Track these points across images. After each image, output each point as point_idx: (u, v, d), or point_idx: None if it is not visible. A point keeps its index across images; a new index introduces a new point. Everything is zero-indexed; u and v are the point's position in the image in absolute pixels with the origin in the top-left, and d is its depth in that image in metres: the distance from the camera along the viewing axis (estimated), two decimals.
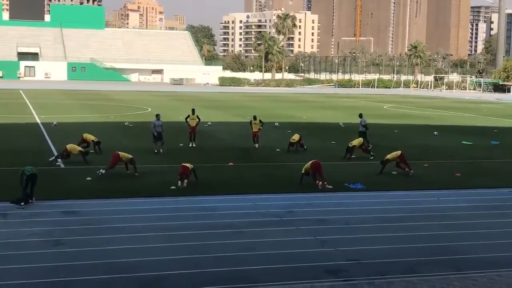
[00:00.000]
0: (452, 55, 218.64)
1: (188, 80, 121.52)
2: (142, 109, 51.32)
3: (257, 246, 13.59)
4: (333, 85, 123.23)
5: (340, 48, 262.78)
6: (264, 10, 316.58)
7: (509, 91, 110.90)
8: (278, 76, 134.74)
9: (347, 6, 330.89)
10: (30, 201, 16.55)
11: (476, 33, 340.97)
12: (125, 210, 16.49)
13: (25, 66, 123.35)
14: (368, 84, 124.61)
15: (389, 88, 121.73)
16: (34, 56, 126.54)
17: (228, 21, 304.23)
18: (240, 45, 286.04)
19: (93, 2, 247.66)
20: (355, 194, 19.28)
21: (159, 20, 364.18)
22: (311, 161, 20.15)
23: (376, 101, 74.54)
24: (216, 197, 18.30)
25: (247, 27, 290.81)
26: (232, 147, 29.36)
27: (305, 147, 27.96)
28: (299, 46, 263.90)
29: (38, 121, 39.26)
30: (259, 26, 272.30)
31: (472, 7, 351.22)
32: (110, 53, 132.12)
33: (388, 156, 22.59)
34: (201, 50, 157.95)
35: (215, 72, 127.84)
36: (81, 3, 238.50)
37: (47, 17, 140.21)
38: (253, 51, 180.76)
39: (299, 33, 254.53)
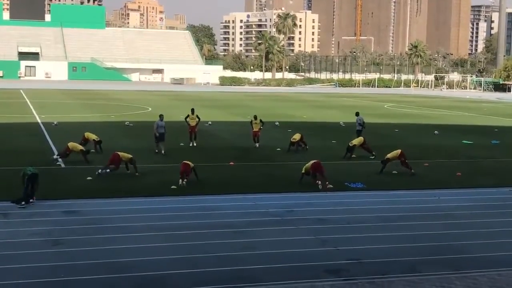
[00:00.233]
0: (452, 54, 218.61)
1: (189, 79, 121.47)
2: (142, 109, 51.31)
3: (258, 245, 13.58)
4: (334, 85, 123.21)
5: (341, 48, 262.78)
6: (265, 9, 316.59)
7: (509, 90, 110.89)
8: (279, 75, 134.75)
9: (348, 6, 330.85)
10: (31, 200, 16.56)
11: (477, 32, 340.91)
12: (126, 209, 16.49)
13: (26, 66, 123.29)
14: (368, 83, 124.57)
15: (389, 87, 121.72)
16: (34, 56, 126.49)
17: (229, 21, 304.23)
18: (240, 45, 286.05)
19: (93, 2, 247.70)
20: (356, 194, 19.27)
21: (160, 20, 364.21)
22: (312, 161, 20.14)
23: (377, 100, 74.53)
24: (216, 196, 18.30)
25: (247, 26, 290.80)
26: (232, 146, 29.35)
27: (307, 147, 27.94)
28: (299, 46, 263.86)
29: (39, 120, 39.27)
30: (260, 26, 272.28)
31: (472, 6, 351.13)
32: (111, 52, 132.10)
33: (389, 156, 22.58)
34: (202, 50, 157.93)
35: (216, 72, 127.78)
36: (82, 3, 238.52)
37: (48, 17, 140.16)
38: (253, 51, 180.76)
39: (300, 32, 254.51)
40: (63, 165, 22.90)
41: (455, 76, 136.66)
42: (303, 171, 20.03)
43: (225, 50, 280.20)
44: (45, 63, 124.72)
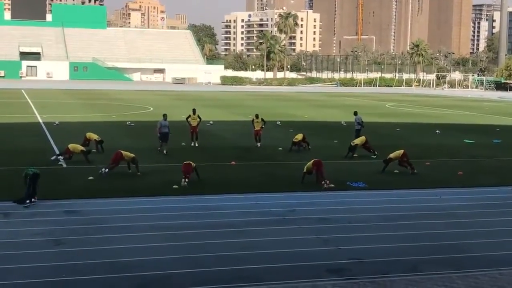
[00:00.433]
0: (454, 53, 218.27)
1: (190, 79, 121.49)
2: (144, 109, 51.34)
3: (259, 245, 13.58)
4: (335, 84, 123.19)
5: (342, 47, 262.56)
6: (266, 9, 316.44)
7: (511, 89, 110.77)
8: (280, 75, 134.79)
9: (349, 5, 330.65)
10: (32, 200, 16.57)
11: (478, 31, 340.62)
12: (127, 209, 16.50)
13: (27, 66, 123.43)
14: (370, 82, 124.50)
15: (391, 86, 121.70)
16: (36, 55, 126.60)
17: (230, 20, 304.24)
18: (242, 44, 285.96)
19: (94, 2, 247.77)
20: (357, 193, 19.27)
21: (161, 20, 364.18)
22: (313, 160, 20.15)
23: (378, 99, 74.50)
24: (218, 196, 18.31)
25: (248, 26, 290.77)
26: (234, 146, 29.36)
27: (310, 147, 27.92)
28: (301, 45, 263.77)
29: (40, 120, 39.30)
30: (261, 25, 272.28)
31: (474, 5, 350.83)
32: (112, 52, 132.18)
33: (391, 155, 22.57)
34: (203, 49, 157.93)
35: (217, 71, 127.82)
36: (83, 3, 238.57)
37: (49, 17, 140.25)
38: (254, 50, 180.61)
39: (301, 32, 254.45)
40: (64, 165, 22.91)
41: (456, 75, 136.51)
42: (304, 171, 20.04)
43: (226, 49, 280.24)
44: (47, 63, 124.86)
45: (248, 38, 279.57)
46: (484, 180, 21.89)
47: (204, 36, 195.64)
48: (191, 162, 19.90)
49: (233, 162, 24.18)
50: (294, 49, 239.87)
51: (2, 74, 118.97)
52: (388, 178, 21.60)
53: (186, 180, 19.32)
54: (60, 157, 23.58)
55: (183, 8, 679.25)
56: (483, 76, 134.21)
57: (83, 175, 20.59)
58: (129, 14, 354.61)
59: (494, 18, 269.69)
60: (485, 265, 12.53)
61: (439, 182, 21.29)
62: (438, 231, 15.03)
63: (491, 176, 22.61)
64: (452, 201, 18.38)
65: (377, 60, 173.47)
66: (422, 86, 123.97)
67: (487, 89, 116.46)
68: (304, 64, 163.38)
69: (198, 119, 29.10)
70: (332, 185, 19.58)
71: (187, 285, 11.17)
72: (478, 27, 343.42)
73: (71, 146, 23.38)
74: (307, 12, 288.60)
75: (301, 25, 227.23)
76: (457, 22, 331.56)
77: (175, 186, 19.05)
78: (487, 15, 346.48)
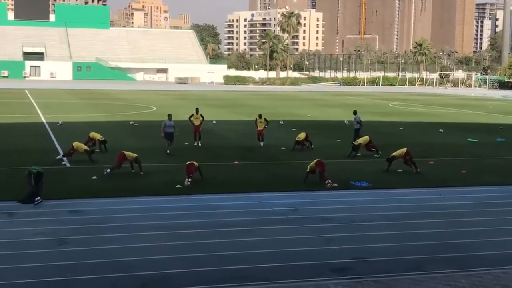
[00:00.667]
0: (457, 52, 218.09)
1: (193, 79, 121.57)
2: (147, 108, 51.37)
3: (262, 244, 13.58)
4: (338, 83, 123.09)
5: (345, 46, 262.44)
6: (269, 8, 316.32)
7: None
8: (283, 74, 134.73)
9: (352, 4, 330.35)
10: (36, 199, 16.59)
11: (481, 30, 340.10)
12: (130, 209, 16.51)
13: (31, 66, 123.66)
14: (373, 82, 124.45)
15: (394, 85, 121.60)
16: (39, 56, 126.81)
17: (233, 20, 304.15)
18: (244, 44, 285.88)
19: (97, 2, 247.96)
20: (361, 192, 19.25)
21: (164, 19, 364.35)
22: (316, 160, 20.14)
23: (381, 98, 74.44)
24: (221, 195, 18.31)
25: (251, 25, 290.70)
26: (237, 145, 29.36)
27: (312, 146, 27.91)
28: (303, 44, 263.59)
29: (44, 120, 39.35)
30: (264, 25, 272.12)
31: (477, 4, 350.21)
32: (115, 52, 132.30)
33: (394, 154, 22.55)
34: (206, 49, 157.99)
35: (220, 71, 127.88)
36: (86, 3, 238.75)
37: (52, 17, 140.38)
38: (257, 50, 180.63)
39: (304, 31, 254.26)
40: (68, 165, 22.95)
41: (459, 74, 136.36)
42: (308, 170, 20.03)
43: (229, 49, 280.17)
44: (50, 63, 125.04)
45: (251, 37, 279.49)
46: (488, 178, 21.86)
47: (207, 35, 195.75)
48: (194, 162, 19.92)
49: (236, 162, 24.18)
50: (297, 49, 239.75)
51: (6, 74, 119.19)
52: (392, 177, 21.58)
53: (189, 179, 19.33)
54: (64, 157, 23.61)
55: (186, 8, 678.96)
56: (486, 75, 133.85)
57: (86, 175, 20.61)
58: (132, 14, 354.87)
59: (497, 17, 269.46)
60: (488, 263, 12.51)
61: (442, 181, 21.26)
62: (441, 230, 15.01)
63: (495, 175, 22.57)
64: (456, 200, 18.36)
65: (380, 59, 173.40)
66: (425, 85, 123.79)
67: (490, 87, 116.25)
68: (307, 63, 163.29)
69: (201, 119, 29.11)
70: (335, 185, 19.56)
71: (189, 285, 11.17)
72: (481, 26, 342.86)
73: (75, 144, 23.45)
74: (310, 11, 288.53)
75: (304, 24, 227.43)
76: (460, 21, 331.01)
77: (178, 186, 19.06)
78: (490, 13, 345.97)
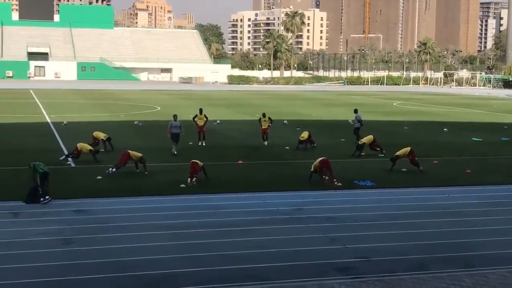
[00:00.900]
0: (461, 51, 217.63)
1: (197, 78, 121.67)
2: (151, 108, 51.42)
3: (266, 244, 13.58)
4: (342, 83, 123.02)
5: (349, 45, 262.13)
6: (273, 8, 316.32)
7: None
8: (287, 74, 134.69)
9: (356, 3, 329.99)
10: (42, 199, 16.64)
11: (486, 29, 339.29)
12: (135, 208, 16.53)
13: (35, 66, 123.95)
14: (377, 81, 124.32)
15: (398, 85, 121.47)
16: (44, 56, 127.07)
17: (237, 20, 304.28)
18: (248, 43, 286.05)
19: (102, 2, 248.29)
20: (365, 192, 19.23)
21: (168, 19, 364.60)
22: (320, 159, 20.14)
23: (386, 98, 74.35)
24: (225, 195, 18.31)
25: (255, 25, 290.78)
26: (241, 145, 29.37)
27: (315, 144, 27.91)
28: (307, 44, 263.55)
29: (48, 120, 39.44)
30: (268, 24, 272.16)
31: (481, 3, 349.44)
32: (120, 52, 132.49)
33: (398, 153, 22.53)
34: (210, 49, 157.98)
35: (224, 71, 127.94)
36: (90, 3, 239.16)
37: (56, 17, 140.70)
38: (261, 49, 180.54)
39: (308, 30, 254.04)
40: (73, 165, 22.99)
41: (464, 73, 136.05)
42: (312, 169, 20.02)
43: (233, 48, 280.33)
44: (55, 63, 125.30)
45: (255, 37, 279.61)
46: (492, 178, 21.81)
47: (211, 35, 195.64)
48: (198, 161, 19.94)
49: (240, 161, 24.19)
50: (301, 48, 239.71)
51: (11, 75, 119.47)
52: (396, 176, 21.56)
53: (194, 179, 19.35)
54: (69, 158, 23.65)
55: (190, 8, 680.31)
56: (491, 74, 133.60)
57: (91, 175, 20.65)
58: (136, 14, 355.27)
59: (501, 16, 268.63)
60: (493, 263, 12.48)
61: (447, 180, 21.22)
62: (446, 229, 14.98)
63: (499, 174, 22.52)
64: (460, 199, 18.33)
65: (385, 59, 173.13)
66: (429, 84, 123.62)
67: (494, 87, 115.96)
68: (311, 63, 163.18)
69: (205, 119, 29.13)
70: (340, 184, 19.56)
71: (193, 284, 11.18)
72: (486, 25, 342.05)
73: (80, 145, 23.51)
74: (314, 10, 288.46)
75: (308, 24, 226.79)
76: (464, 20, 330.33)
77: (182, 185, 19.08)
78: (494, 12, 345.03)
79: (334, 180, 19.64)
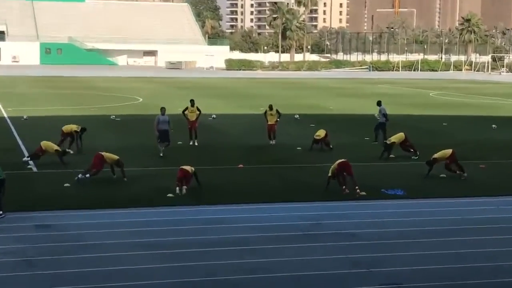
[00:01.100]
0: None
1: (188, 63, 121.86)
2: (131, 99, 51.51)
3: (273, 266, 13.60)
4: (367, 68, 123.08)
5: (375, 23, 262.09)
6: None
7: None
8: (299, 57, 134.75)
9: None
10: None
11: None
12: (111, 223, 16.57)
13: None
14: (410, 66, 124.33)
15: (436, 71, 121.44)
16: None
17: None
18: (251, 20, 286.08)
19: None
20: (394, 203, 19.26)
21: None
22: (338, 161, 20.13)
23: (420, 87, 74.34)
24: (222, 207, 18.34)
25: None
26: (242, 145, 29.41)
27: (331, 146, 27.89)
28: (324, 21, 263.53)
29: (5, 114, 39.52)
30: None
31: None
32: (92, 31, 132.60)
33: (436, 155, 22.52)
34: (204, 27, 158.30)
35: (221, 54, 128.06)
36: None
37: None
38: (267, 27, 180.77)
39: (324, 4, 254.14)
40: (34, 169, 23.02)
41: None
42: (329, 175, 20.03)
43: (232, 26, 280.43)
44: (12, 44, 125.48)
45: (259, 12, 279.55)
46: None
47: (205, 10, 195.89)
48: (189, 168, 19.88)
49: (240, 165, 24.22)
50: (315, 26, 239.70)
51: None
52: (433, 184, 21.56)
53: (184, 187, 19.37)
54: (31, 161, 23.59)
55: None
56: None
57: (57, 182, 20.67)
58: None
59: None
60: None
61: (496, 189, 21.22)
62: (495, 249, 14.99)
63: None
64: None
65: (419, 39, 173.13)
66: (474, 70, 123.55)
67: None
68: (328, 44, 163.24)
69: (198, 112, 29.15)
70: (363, 193, 19.58)
71: None
72: None
73: (44, 143, 23.37)
74: None
75: None
76: None
77: (170, 195, 19.10)
78: None
79: (357, 188, 19.67)
